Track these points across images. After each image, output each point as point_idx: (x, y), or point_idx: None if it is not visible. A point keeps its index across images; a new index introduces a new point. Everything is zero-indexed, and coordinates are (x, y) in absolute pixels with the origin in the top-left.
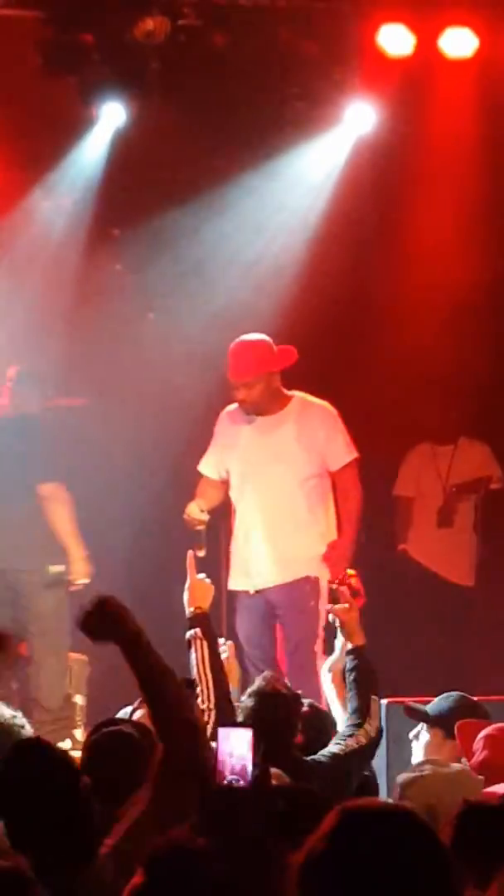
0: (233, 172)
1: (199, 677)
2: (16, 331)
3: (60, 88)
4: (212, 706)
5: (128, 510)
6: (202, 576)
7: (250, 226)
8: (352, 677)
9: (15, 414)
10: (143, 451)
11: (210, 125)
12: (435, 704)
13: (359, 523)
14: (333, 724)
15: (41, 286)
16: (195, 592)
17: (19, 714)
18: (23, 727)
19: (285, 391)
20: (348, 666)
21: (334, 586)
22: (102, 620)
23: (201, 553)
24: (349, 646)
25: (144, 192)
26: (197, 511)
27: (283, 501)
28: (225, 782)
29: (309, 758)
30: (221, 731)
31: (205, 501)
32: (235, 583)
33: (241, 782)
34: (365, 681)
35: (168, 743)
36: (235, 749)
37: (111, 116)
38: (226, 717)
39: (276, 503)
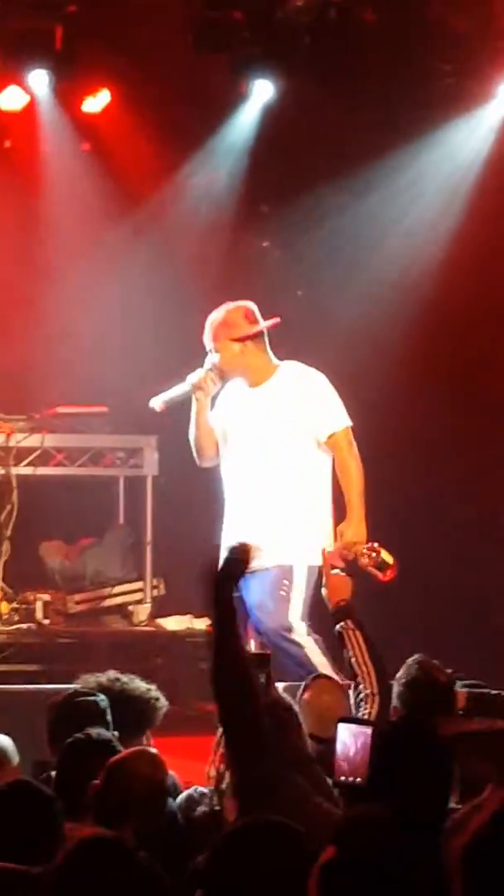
0: (382, 149)
1: (359, 666)
2: (164, 304)
3: (211, 65)
4: (376, 691)
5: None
6: (337, 571)
7: (399, 202)
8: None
9: None
10: None
11: (359, 101)
12: None
13: (362, 497)
14: None
15: (190, 261)
16: (334, 586)
17: (154, 687)
18: (157, 699)
19: (273, 361)
20: None
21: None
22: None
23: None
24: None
25: (293, 169)
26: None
27: (262, 479)
28: (343, 779)
29: None
30: (341, 727)
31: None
32: None
33: (359, 780)
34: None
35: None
36: (355, 746)
37: (261, 93)
38: (387, 702)
39: (254, 480)
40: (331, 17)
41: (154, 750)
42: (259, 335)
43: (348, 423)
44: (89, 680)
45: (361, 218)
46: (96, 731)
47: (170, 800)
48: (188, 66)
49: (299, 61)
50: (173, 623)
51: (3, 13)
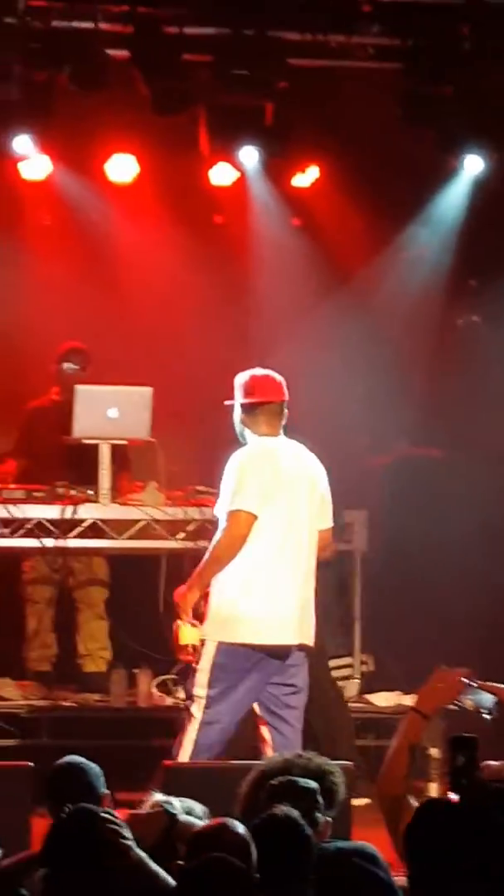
0: None
1: None
2: (376, 378)
3: (420, 140)
4: None
5: (464, 570)
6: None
7: None
8: None
9: None
10: (490, 510)
11: None
12: None
13: (204, 570)
14: None
15: (401, 336)
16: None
17: (332, 763)
18: (334, 773)
19: (252, 434)
20: None
21: None
22: None
23: None
24: None
25: (503, 242)
26: None
27: None
28: None
29: None
30: None
31: None
32: None
33: None
34: None
35: None
36: None
37: (471, 167)
38: None
39: None
40: None
41: (240, 827)
42: (250, 406)
43: (235, 507)
44: (276, 758)
45: None
46: (283, 811)
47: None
48: (397, 140)
49: None
50: (382, 699)
51: (215, 91)
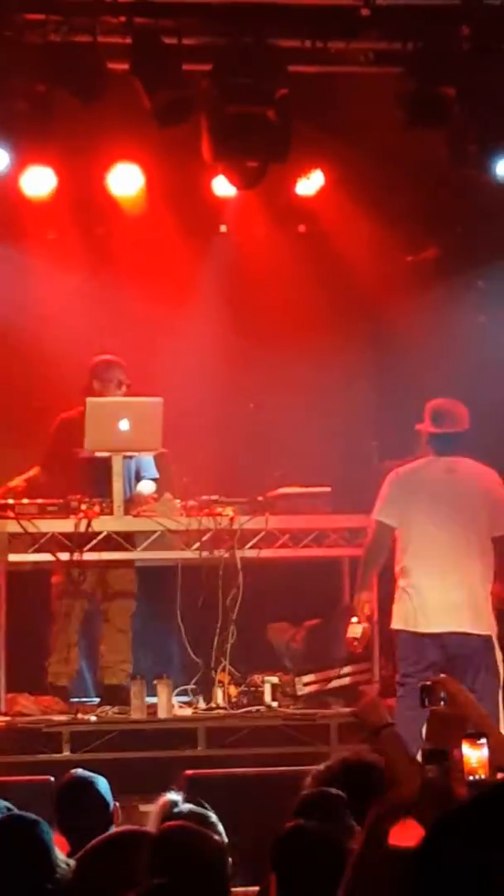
0: None
1: None
2: (383, 387)
3: (425, 141)
4: None
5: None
6: None
7: None
8: None
9: None
10: None
11: None
12: None
13: (363, 574)
14: None
15: (405, 340)
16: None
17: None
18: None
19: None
20: None
21: None
22: None
23: None
24: None
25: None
26: None
27: None
28: None
29: None
30: None
31: None
32: None
33: None
34: None
35: None
36: None
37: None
38: None
39: None
40: None
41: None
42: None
43: (372, 516)
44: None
45: None
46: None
47: None
48: (402, 143)
49: None
50: None
51: (216, 99)
